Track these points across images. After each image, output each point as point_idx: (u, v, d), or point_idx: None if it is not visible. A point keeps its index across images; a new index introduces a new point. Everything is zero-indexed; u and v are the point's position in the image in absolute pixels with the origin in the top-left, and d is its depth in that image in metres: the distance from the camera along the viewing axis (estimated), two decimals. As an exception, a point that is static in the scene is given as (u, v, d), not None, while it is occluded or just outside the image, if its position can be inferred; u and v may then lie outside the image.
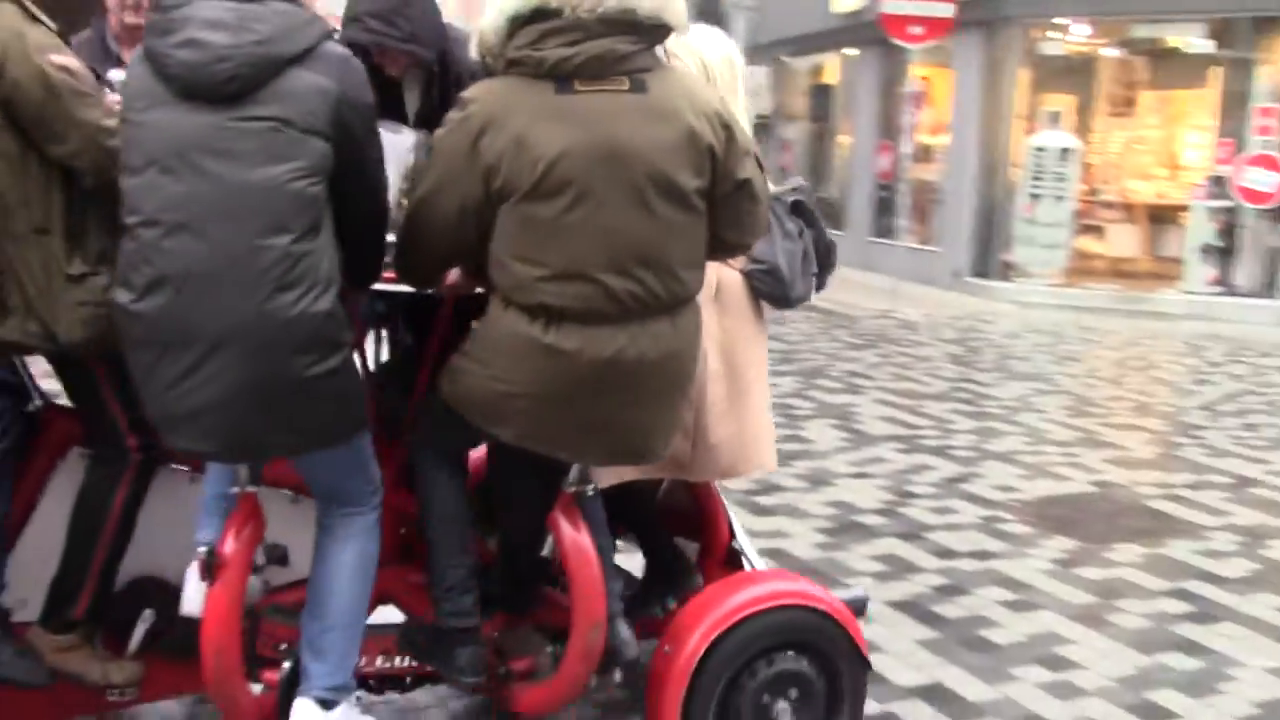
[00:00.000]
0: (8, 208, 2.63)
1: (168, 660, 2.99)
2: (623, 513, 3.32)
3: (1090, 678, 4.02)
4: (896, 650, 4.12)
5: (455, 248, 2.74)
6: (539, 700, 3.03)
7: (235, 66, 2.49)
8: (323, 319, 2.52)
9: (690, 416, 3.09)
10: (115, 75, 3.12)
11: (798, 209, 3.36)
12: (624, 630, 3.12)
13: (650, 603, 3.45)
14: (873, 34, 13.71)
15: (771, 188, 3.07)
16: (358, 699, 2.92)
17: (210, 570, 2.69)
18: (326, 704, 2.75)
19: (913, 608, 4.51)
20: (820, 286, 3.46)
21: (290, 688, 2.82)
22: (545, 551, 3.07)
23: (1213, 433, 7.61)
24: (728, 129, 2.72)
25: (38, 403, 2.96)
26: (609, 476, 3.13)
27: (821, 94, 18.77)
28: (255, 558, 2.82)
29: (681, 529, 3.61)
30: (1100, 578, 4.95)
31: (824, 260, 3.42)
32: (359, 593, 2.83)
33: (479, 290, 2.84)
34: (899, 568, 4.89)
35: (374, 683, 3.15)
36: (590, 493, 2.97)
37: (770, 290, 3.30)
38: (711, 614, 3.04)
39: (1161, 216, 14.78)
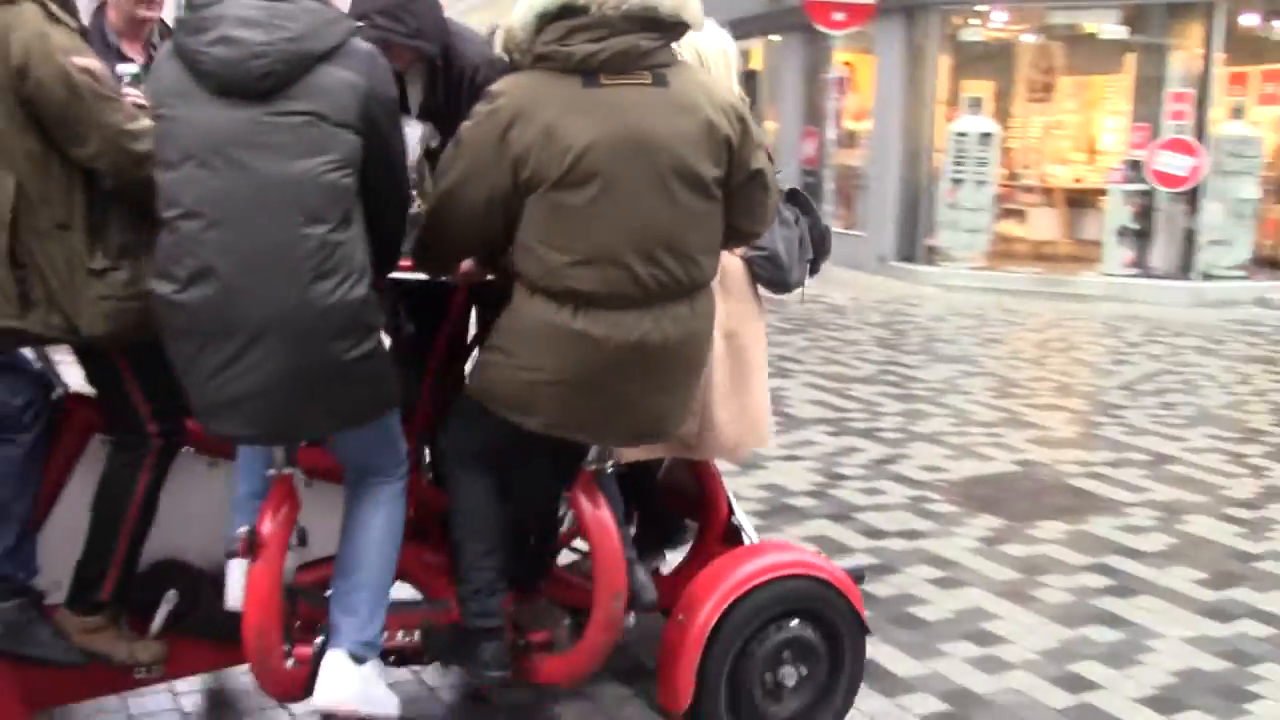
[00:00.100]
0: (31, 204, 2.69)
1: (190, 640, 3.10)
2: (624, 487, 3.42)
3: (1016, 651, 4.12)
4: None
5: (481, 236, 2.85)
6: (563, 669, 3.16)
7: (270, 63, 2.58)
8: (358, 305, 2.63)
9: (699, 397, 3.20)
10: (124, 70, 3.14)
11: (793, 197, 3.50)
12: (641, 574, 3.28)
13: (645, 558, 3.60)
14: (797, 19, 13.79)
15: None
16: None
17: (251, 549, 2.79)
18: (357, 659, 2.86)
19: (844, 587, 4.58)
20: (814, 272, 3.58)
21: (322, 660, 2.92)
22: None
23: (1132, 412, 7.79)
24: (742, 121, 2.86)
25: (60, 391, 3.01)
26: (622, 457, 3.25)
27: (747, 80, 18.78)
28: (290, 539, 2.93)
29: (681, 508, 3.74)
30: (1024, 554, 5.06)
31: (819, 247, 3.55)
32: (388, 553, 2.94)
33: (489, 278, 2.99)
34: (830, 548, 4.96)
35: (393, 657, 3.22)
36: (609, 470, 3.12)
37: (770, 276, 3.42)
38: (723, 584, 3.18)
39: (1080, 200, 15.00)
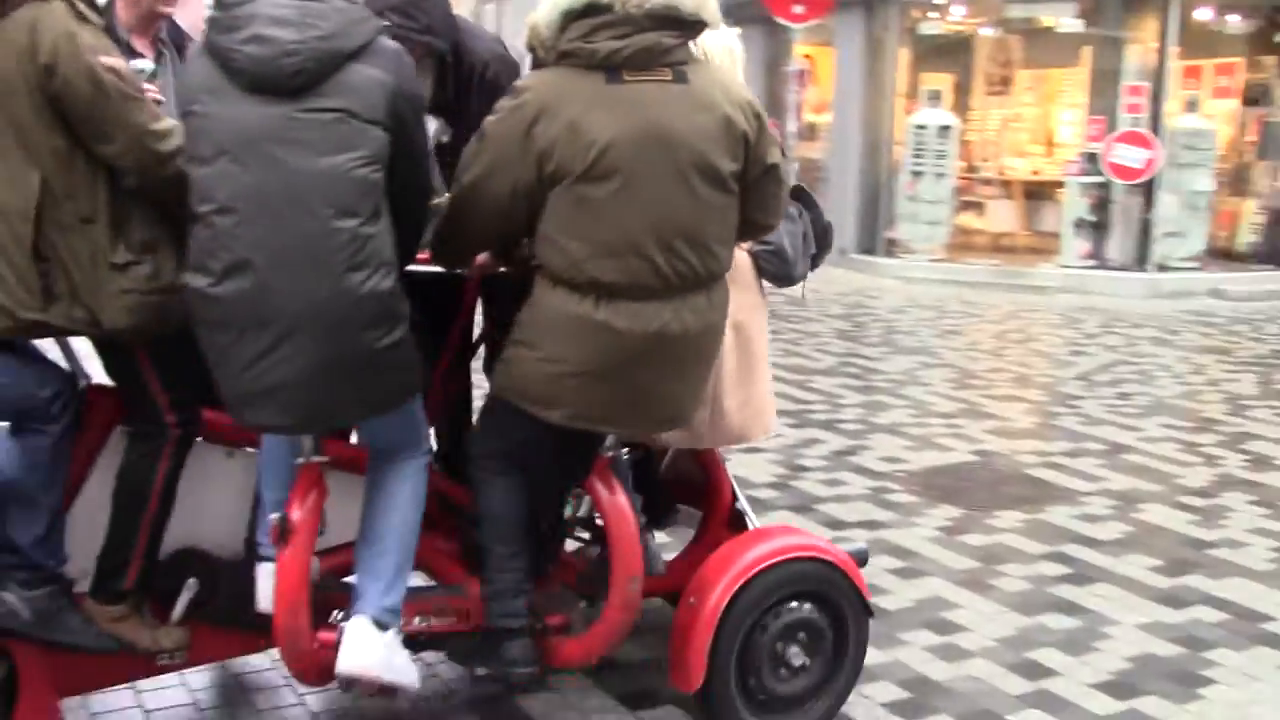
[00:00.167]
0: (55, 199, 2.74)
1: (210, 627, 3.16)
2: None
3: (975, 639, 4.17)
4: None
5: (502, 229, 2.94)
6: (581, 651, 3.23)
7: (302, 60, 2.65)
8: (388, 295, 2.72)
9: (710, 387, 3.28)
10: (137, 66, 3.18)
11: (797, 194, 3.57)
12: (651, 543, 3.42)
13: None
14: (757, 12, 13.79)
15: None
16: None
17: (283, 535, 2.86)
18: (381, 625, 2.92)
19: (805, 578, 4.61)
20: (815, 266, 3.70)
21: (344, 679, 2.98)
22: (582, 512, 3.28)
23: (1088, 402, 7.88)
24: (758, 118, 2.95)
25: (84, 383, 3.05)
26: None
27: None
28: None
29: (685, 496, 3.83)
30: (983, 544, 5.12)
31: (821, 241, 3.66)
32: (412, 523, 3.03)
33: (500, 270, 3.12)
34: (791, 539, 5.00)
35: (412, 645, 3.25)
36: (625, 457, 3.27)
37: (775, 270, 3.52)
38: (733, 567, 3.27)
39: (1038, 193, 15.12)
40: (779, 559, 3.32)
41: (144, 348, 2.92)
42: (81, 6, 2.77)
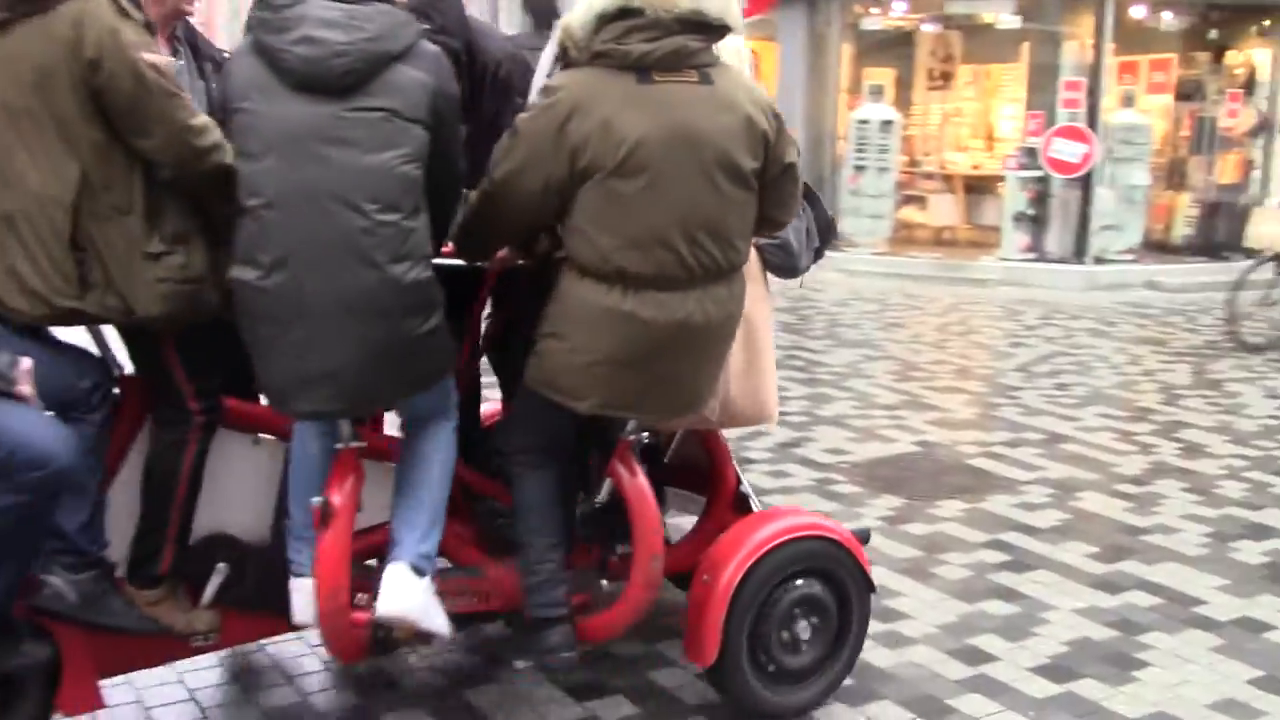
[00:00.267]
0: (93, 191, 2.80)
1: (239, 611, 3.24)
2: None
3: (917, 626, 4.25)
4: (736, 609, 4.28)
5: (529, 222, 3.07)
6: (604, 627, 3.37)
7: (350, 61, 2.78)
8: (427, 284, 2.87)
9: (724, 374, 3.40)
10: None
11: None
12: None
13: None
14: (701, 8, 13.86)
15: None
16: None
17: (324, 519, 2.97)
18: (418, 570, 3.04)
19: (751, 568, 4.67)
20: (818, 258, 3.84)
21: (379, 639, 3.13)
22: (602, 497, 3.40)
23: (1027, 393, 8.01)
24: (777, 119, 3.10)
25: (117, 372, 3.13)
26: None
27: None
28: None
29: (689, 481, 3.97)
30: (925, 533, 5.20)
31: (824, 235, 3.79)
32: (445, 477, 3.17)
33: (519, 263, 3.25)
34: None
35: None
36: (646, 440, 3.41)
37: (781, 263, 3.65)
38: (745, 546, 3.43)
39: (979, 187, 15.28)
40: (788, 537, 3.48)
41: (170, 337, 3.00)
42: (124, 3, 2.83)
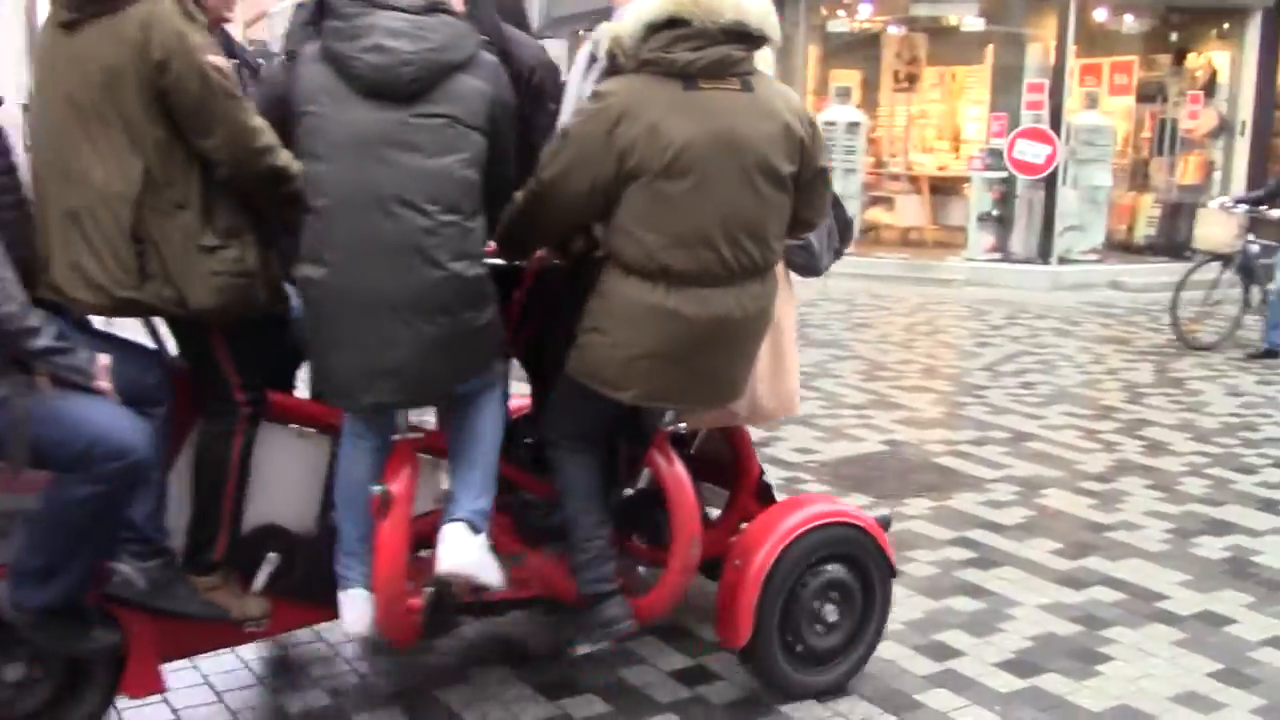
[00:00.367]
0: (155, 186, 2.90)
1: (288, 599, 3.33)
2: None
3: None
4: (706, 607, 4.30)
5: (573, 222, 3.20)
6: (645, 609, 3.46)
7: (417, 70, 2.92)
8: (483, 280, 3.02)
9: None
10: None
11: None
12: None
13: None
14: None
15: None
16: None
17: (384, 507, 3.09)
18: (474, 527, 3.15)
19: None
20: (838, 257, 3.95)
21: (434, 611, 3.24)
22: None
23: (993, 391, 8.08)
24: (812, 125, 3.24)
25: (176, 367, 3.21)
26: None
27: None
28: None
29: (712, 475, 4.06)
30: (892, 530, 5.20)
31: (844, 236, 3.90)
32: (496, 439, 3.29)
33: (555, 262, 3.36)
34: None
35: (475, 608, 3.49)
36: (683, 431, 3.59)
37: (804, 263, 3.76)
38: (775, 532, 3.57)
39: (944, 188, 15.38)
40: (817, 523, 3.62)
41: (220, 330, 3.07)
42: (190, 6, 2.92)
